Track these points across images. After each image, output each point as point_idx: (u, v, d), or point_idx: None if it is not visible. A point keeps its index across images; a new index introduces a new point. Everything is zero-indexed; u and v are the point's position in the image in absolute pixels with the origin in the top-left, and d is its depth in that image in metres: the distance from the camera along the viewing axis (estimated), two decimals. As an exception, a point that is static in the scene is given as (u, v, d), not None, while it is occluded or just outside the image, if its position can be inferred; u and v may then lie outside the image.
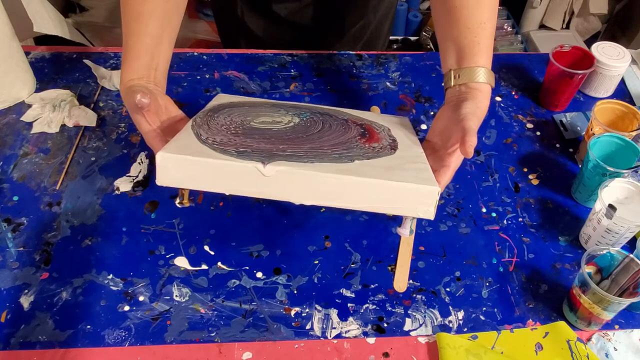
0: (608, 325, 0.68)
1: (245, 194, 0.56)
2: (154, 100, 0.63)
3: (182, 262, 0.71)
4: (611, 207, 0.68)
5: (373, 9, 1.03)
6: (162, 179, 0.56)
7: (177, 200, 0.65)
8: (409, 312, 0.68)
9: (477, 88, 0.66)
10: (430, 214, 0.57)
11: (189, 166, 0.55)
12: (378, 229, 0.76)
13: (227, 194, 0.57)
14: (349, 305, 0.68)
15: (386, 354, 0.64)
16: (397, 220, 0.77)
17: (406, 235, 0.64)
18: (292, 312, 0.67)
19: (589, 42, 2.01)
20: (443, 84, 0.70)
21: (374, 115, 0.77)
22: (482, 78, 0.66)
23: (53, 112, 0.86)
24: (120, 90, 0.65)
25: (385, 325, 0.67)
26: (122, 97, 0.64)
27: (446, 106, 0.68)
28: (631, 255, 0.64)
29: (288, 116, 0.70)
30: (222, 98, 0.77)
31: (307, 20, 1.02)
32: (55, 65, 0.96)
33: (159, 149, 0.58)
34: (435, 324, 0.67)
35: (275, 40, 1.06)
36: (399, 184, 0.55)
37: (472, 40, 0.68)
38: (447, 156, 0.64)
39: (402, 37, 2.17)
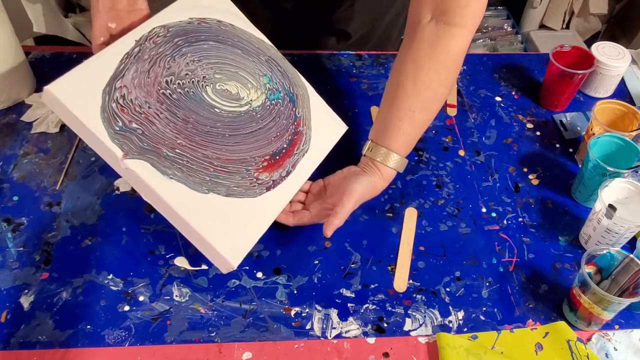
0: (608, 325, 0.68)
1: (109, 164, 0.62)
2: None
3: (182, 262, 0.71)
4: (611, 207, 0.68)
5: (381, 14, 1.02)
6: (46, 102, 0.60)
7: None
8: (409, 312, 0.68)
9: (380, 169, 0.70)
10: (220, 271, 0.66)
11: (67, 114, 0.59)
12: (378, 229, 0.76)
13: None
14: (349, 305, 0.68)
15: (386, 354, 0.64)
16: (397, 220, 0.77)
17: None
18: (292, 312, 0.67)
19: (589, 42, 2.01)
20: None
21: (326, 118, 0.79)
22: (390, 162, 0.70)
23: (53, 112, 0.86)
24: None
25: (385, 325, 0.67)
26: None
27: (353, 169, 0.71)
28: (631, 255, 0.64)
29: (258, 92, 0.71)
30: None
31: (312, 21, 1.01)
32: (55, 65, 0.96)
33: (93, 32, 0.60)
34: (435, 324, 0.67)
35: (284, 36, 1.05)
36: (209, 242, 0.63)
37: (395, 124, 0.70)
38: (318, 209, 0.70)
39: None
